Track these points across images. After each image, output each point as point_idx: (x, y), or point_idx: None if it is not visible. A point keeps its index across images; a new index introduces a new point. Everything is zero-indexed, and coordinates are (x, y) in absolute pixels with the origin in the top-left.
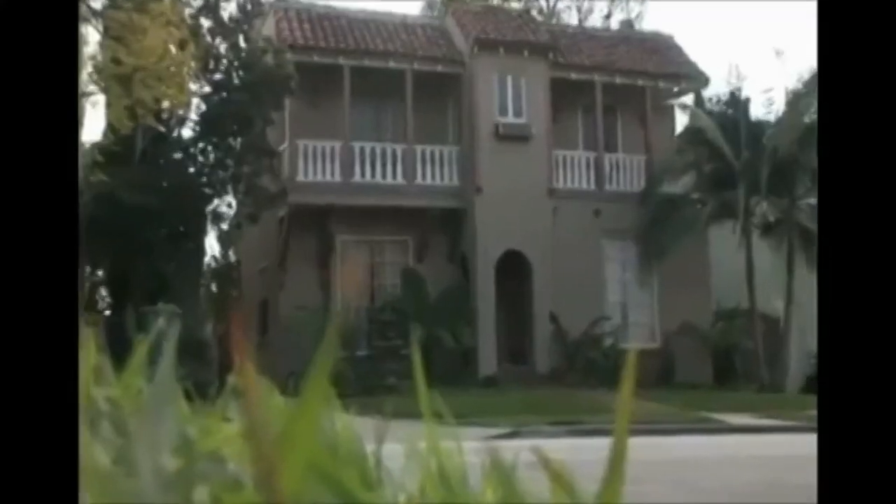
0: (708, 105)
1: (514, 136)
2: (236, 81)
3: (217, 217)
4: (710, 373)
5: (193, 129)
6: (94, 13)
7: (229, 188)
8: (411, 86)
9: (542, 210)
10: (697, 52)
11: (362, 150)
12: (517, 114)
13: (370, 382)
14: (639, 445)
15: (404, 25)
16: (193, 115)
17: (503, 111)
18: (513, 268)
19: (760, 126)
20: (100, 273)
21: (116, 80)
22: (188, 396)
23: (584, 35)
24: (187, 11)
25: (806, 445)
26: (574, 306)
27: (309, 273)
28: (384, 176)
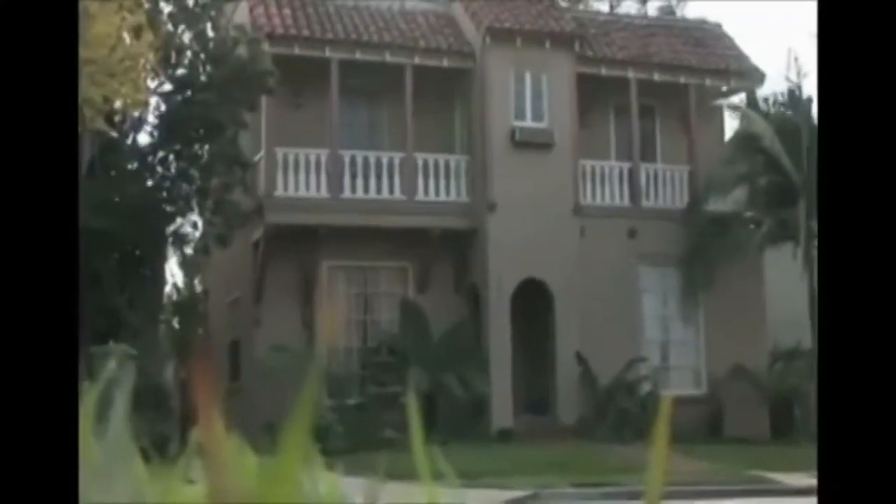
0: (763, 106)
1: (534, 144)
2: (203, 78)
3: (179, 239)
4: (766, 424)
5: (152, 135)
6: None
7: (194, 205)
8: (411, 83)
9: (567, 231)
10: (750, 43)
11: (353, 159)
12: (537, 117)
13: (362, 436)
14: None
15: (403, 12)
16: (152, 118)
17: (521, 114)
18: (532, 300)
19: None
20: None
21: None
22: (145, 454)
23: (616, 23)
24: None
25: None
26: (605, 346)
27: (289, 307)
28: (379, 190)
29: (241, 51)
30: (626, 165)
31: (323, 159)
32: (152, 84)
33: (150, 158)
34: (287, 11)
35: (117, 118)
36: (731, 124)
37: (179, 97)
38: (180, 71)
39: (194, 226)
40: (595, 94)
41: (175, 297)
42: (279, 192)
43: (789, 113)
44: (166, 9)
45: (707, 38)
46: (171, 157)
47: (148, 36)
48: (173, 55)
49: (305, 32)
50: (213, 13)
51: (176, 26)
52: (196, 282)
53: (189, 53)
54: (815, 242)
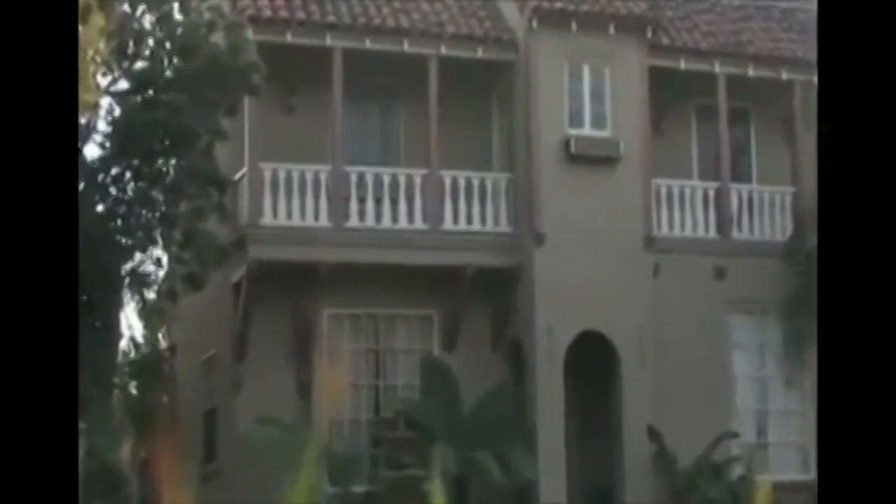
0: None
1: (594, 158)
2: (168, 73)
3: (139, 280)
4: None
5: (103, 146)
6: None
7: (157, 236)
8: (436, 81)
9: (637, 270)
10: None
11: (362, 178)
12: (598, 123)
13: None
14: None
15: None
16: (103, 125)
17: (577, 119)
18: (592, 359)
19: None
20: None
21: None
22: None
23: (700, 4)
24: None
25: None
26: (685, 417)
27: (280, 367)
28: (395, 218)
29: (218, 38)
30: (712, 186)
31: (323, 178)
32: (103, 81)
33: (100, 177)
34: None
35: None
36: None
37: (138, 98)
38: (139, 64)
39: (157, 263)
40: (672, 93)
41: (133, 354)
42: (266, 219)
43: None
44: None
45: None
46: (128, 174)
47: (97, 19)
48: (130, 44)
49: (300, 15)
50: None
51: (134, 7)
52: (160, 335)
53: (151, 41)
54: None
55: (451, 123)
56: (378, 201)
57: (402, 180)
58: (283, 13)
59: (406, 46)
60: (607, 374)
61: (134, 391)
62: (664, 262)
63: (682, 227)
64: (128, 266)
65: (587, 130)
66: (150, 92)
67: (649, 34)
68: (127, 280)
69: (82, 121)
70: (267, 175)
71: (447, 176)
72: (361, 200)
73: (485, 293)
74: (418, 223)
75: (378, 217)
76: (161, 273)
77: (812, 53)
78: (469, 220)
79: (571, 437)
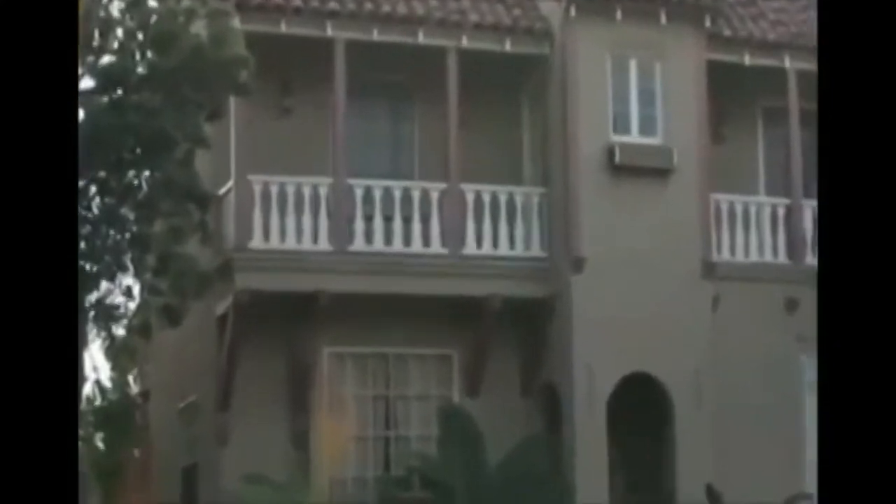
0: None
1: (643, 170)
2: (141, 69)
3: (106, 313)
4: None
5: None
6: None
7: (128, 262)
8: (456, 78)
9: (694, 301)
10: None
11: (368, 193)
12: (647, 128)
13: None
14: None
15: None
16: None
17: (622, 124)
18: (640, 405)
19: None
20: None
21: None
22: None
23: None
24: None
25: None
26: (750, 474)
27: (272, 415)
28: (408, 240)
29: (200, 28)
30: (781, 202)
31: (323, 193)
32: None
33: None
34: None
35: None
36: None
37: (105, 98)
38: (107, 59)
39: (128, 293)
40: (735, 93)
41: (99, 401)
42: (256, 242)
43: None
44: None
45: None
46: (93, 188)
47: None
48: (96, 34)
49: (297, 1)
50: None
51: None
52: (131, 378)
53: (120, 32)
54: None
55: (474, 128)
56: (388, 220)
57: (416, 195)
58: None
59: (421, 38)
60: (658, 424)
61: (100, 444)
62: (725, 291)
63: (747, 250)
64: (93, 297)
65: (634, 137)
66: (119, 91)
67: (708, 23)
68: (92, 313)
69: None
70: (257, 189)
71: (469, 190)
72: (368, 219)
73: (514, 328)
74: (435, 246)
75: (388, 239)
76: (132, 305)
77: None
78: (495, 243)
79: (616, 497)
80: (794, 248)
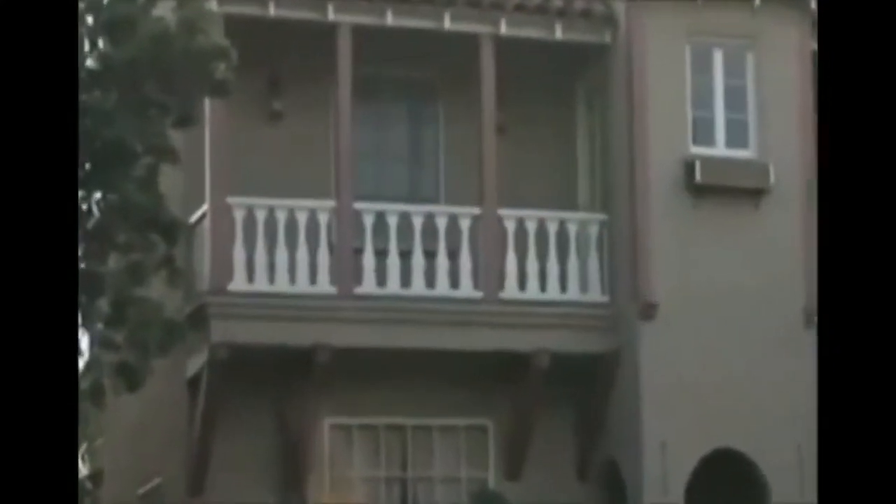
0: None
1: (731, 190)
2: (92, 63)
3: None
4: None
5: None
6: None
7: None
8: (493, 74)
9: (795, 356)
10: None
11: (381, 220)
12: (737, 138)
13: None
14: None
15: None
16: None
17: (704, 132)
18: (727, 489)
19: None
20: None
21: None
22: None
23: None
24: None
25: None
26: None
27: (256, 502)
28: (431, 281)
29: (165, 10)
30: None
31: (323, 220)
32: None
33: None
34: None
35: None
36: None
37: None
38: None
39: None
40: None
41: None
42: (238, 283)
43: None
44: None
45: None
46: None
47: None
48: None
49: None
50: None
51: None
52: (80, 456)
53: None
54: None
55: (515, 138)
56: (405, 256)
57: (441, 224)
58: None
59: (447, 23)
60: None
61: None
62: None
63: None
64: None
65: (720, 149)
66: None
67: (813, 4)
68: None
69: None
70: (238, 215)
71: (509, 218)
72: (380, 254)
73: (566, 392)
74: (466, 289)
75: (405, 279)
76: (82, 362)
77: None
78: (542, 285)
79: None
80: None
